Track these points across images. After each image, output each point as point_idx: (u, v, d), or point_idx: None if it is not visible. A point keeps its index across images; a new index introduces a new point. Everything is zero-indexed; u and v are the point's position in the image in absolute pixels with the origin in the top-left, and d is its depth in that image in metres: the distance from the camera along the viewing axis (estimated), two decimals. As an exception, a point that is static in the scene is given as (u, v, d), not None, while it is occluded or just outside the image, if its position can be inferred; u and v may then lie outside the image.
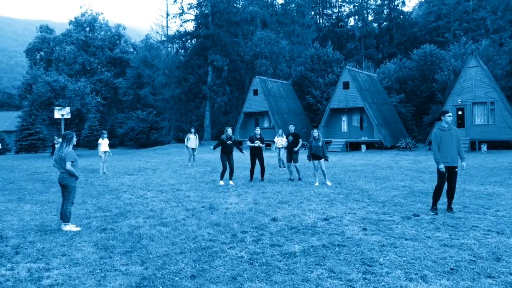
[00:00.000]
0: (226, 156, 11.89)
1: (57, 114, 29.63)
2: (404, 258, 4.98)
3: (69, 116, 30.14)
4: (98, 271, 4.67)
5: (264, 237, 5.99)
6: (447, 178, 7.52)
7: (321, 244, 5.62)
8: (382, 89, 34.00)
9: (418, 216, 7.23)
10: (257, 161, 12.33)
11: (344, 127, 30.22)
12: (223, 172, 11.90)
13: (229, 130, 12.21)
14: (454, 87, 25.98)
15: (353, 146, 28.27)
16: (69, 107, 29.87)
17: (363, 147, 27.01)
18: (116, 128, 49.24)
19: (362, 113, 29.19)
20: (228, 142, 11.85)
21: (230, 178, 11.94)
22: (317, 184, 11.11)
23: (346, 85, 29.03)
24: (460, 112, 25.35)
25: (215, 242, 5.79)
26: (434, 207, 7.56)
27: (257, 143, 12.16)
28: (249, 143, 12.44)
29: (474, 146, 24.50)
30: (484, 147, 23.48)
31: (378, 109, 29.81)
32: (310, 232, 6.28)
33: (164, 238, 6.02)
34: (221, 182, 11.74)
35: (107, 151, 16.15)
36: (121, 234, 6.28)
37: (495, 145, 24.26)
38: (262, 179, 12.30)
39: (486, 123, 24.54)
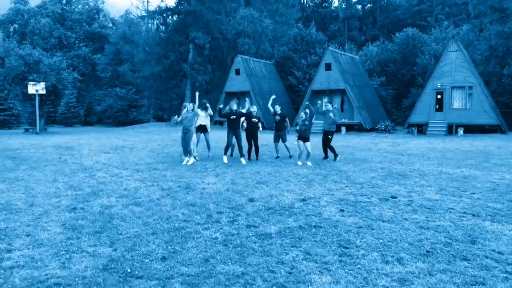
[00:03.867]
0: (233, 131, 11.74)
1: (31, 89, 28.59)
2: (381, 240, 4.93)
3: (44, 92, 29.12)
4: (64, 252, 4.45)
5: (240, 218, 5.85)
6: None
7: (298, 225, 5.52)
8: (364, 72, 34.01)
9: (395, 198, 7.21)
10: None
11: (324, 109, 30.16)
12: (227, 147, 11.90)
13: (233, 103, 12.04)
14: (434, 71, 26.17)
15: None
16: (44, 83, 28.81)
17: (343, 129, 27.08)
18: (94, 106, 48.09)
19: (343, 95, 29.18)
20: (232, 117, 11.67)
21: (241, 155, 11.76)
22: (299, 163, 11.08)
23: (328, 67, 28.87)
24: (439, 96, 25.59)
25: (189, 222, 5.63)
26: None
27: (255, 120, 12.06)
28: (242, 119, 12.21)
29: (451, 130, 24.85)
30: (460, 131, 23.86)
31: (359, 91, 29.85)
32: (287, 213, 6.18)
33: (136, 218, 5.82)
34: (225, 159, 11.71)
35: None
36: (91, 214, 6.05)
37: (471, 129, 24.67)
38: (257, 158, 12.15)
39: (464, 107, 24.88)
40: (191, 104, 11.85)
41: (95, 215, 5.97)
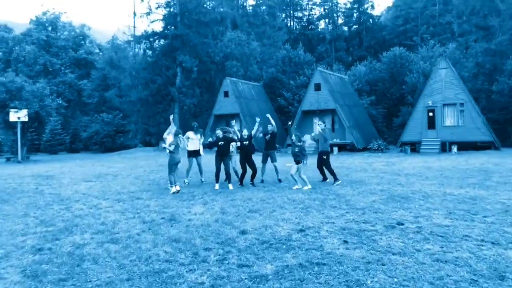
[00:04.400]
0: (219, 158, 11.09)
1: (13, 117, 27.67)
2: (396, 279, 4.22)
3: (26, 119, 28.22)
4: (15, 310, 3.65)
5: (231, 255, 5.10)
6: None
7: (298, 262, 4.79)
8: (353, 91, 33.82)
9: (402, 224, 6.53)
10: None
11: (316, 130, 29.69)
12: (217, 175, 11.19)
13: (219, 131, 11.41)
14: (424, 89, 25.97)
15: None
16: (26, 110, 27.96)
17: (335, 149, 26.54)
18: (80, 132, 47.04)
19: (334, 115, 28.79)
20: (220, 143, 11.05)
21: (227, 181, 11.18)
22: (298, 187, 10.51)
23: (317, 87, 28.55)
24: (431, 114, 25.31)
25: (172, 263, 4.85)
26: None
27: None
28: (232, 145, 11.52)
29: (444, 148, 24.45)
30: (454, 148, 23.48)
31: (350, 111, 29.50)
32: (284, 247, 5.44)
33: (110, 260, 5.02)
34: (216, 186, 11.01)
35: None
36: (59, 256, 5.24)
37: (465, 146, 24.30)
38: (251, 183, 11.38)
39: (456, 124, 24.58)
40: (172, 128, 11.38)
41: (63, 257, 5.16)
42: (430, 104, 25.16)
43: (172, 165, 10.55)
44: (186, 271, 4.58)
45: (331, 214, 7.40)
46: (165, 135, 11.90)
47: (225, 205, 8.39)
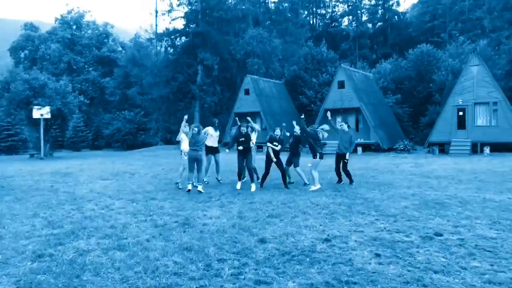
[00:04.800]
0: (242, 156, 10.52)
1: (36, 114, 27.88)
2: (442, 306, 3.54)
3: (49, 116, 28.40)
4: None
5: (248, 269, 4.51)
6: None
7: (324, 280, 4.16)
8: (378, 89, 32.76)
9: (441, 235, 5.80)
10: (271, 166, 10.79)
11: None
12: (240, 173, 10.71)
13: (244, 127, 10.74)
14: (454, 87, 24.78)
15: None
16: (49, 107, 28.12)
17: (359, 149, 25.65)
18: (102, 129, 47.47)
19: (358, 113, 27.88)
20: (241, 139, 10.46)
21: (251, 180, 10.58)
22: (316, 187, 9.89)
23: (341, 85, 27.70)
24: (461, 113, 24.12)
25: (181, 277, 4.30)
26: None
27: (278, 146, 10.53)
28: (268, 144, 10.68)
29: (475, 149, 23.24)
30: (486, 150, 22.25)
31: (374, 109, 28.51)
32: (307, 259, 4.82)
33: (113, 271, 4.51)
34: (238, 185, 10.63)
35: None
36: (59, 264, 4.76)
37: (497, 148, 23.03)
38: (285, 185, 10.61)
39: (489, 124, 23.34)
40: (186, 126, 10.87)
41: (63, 266, 4.68)
42: (461, 102, 23.98)
43: (190, 162, 10.12)
44: (196, 287, 4.02)
45: (359, 221, 6.73)
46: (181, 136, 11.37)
47: (243, 209, 7.81)
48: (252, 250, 5.19)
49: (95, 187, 11.55)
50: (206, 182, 11.66)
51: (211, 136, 11.74)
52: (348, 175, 11.16)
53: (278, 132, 10.74)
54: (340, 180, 11.35)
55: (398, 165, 17.75)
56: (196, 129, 10.14)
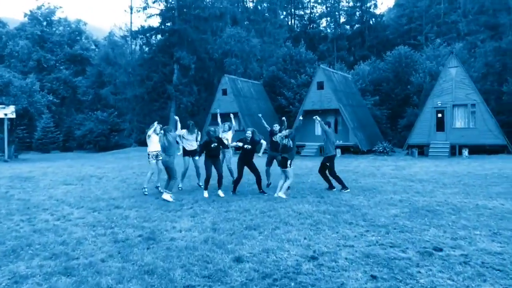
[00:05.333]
0: (211, 160, 9.62)
1: (-1, 113, 26.27)
2: None
3: (13, 116, 26.79)
4: None
5: (220, 299, 3.71)
6: None
7: (314, 315, 3.40)
8: (357, 91, 32.45)
9: (441, 250, 5.14)
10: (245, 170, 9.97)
11: (318, 130, 28.26)
12: (207, 180, 9.65)
13: (213, 128, 10.06)
14: (433, 88, 24.59)
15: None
16: (13, 106, 26.54)
17: (338, 151, 25.14)
18: (73, 130, 45.58)
19: (337, 115, 27.40)
20: (212, 145, 9.55)
21: (219, 187, 9.69)
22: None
23: (320, 86, 27.17)
24: (439, 115, 23.95)
25: (137, 313, 3.46)
26: None
27: (247, 146, 9.71)
28: (236, 143, 9.89)
29: (454, 151, 23.09)
30: (465, 152, 22.10)
31: (354, 111, 28.12)
32: (292, 284, 4.05)
33: (52, 305, 3.63)
34: (205, 194, 9.52)
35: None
36: (-16, 296, 3.84)
37: (476, 150, 22.94)
38: (261, 190, 9.82)
39: (467, 126, 23.22)
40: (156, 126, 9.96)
41: (-10, 299, 3.77)
42: (439, 104, 23.80)
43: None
44: (154, 328, 3.19)
45: (347, 233, 6.01)
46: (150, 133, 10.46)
47: (218, 219, 6.99)
48: (227, 273, 4.38)
49: (55, 193, 10.49)
50: (180, 188, 10.77)
51: (187, 140, 10.87)
52: (339, 180, 10.38)
53: (249, 133, 10.02)
54: (331, 187, 10.51)
55: (378, 167, 17.27)
56: (162, 131, 9.25)
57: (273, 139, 10.58)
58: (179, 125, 10.80)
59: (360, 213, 7.33)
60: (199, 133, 11.38)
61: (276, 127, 10.90)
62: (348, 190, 10.02)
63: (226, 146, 10.19)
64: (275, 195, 9.16)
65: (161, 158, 9.67)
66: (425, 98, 31.14)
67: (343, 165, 18.58)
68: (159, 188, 10.21)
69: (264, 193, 9.66)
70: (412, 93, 33.73)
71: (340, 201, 8.56)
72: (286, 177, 9.33)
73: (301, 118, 10.83)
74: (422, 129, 24.20)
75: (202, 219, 7.03)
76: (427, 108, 24.34)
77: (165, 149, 9.15)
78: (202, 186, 10.42)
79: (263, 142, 10.19)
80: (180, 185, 10.99)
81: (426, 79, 32.42)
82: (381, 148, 24.82)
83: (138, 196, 9.78)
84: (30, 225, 6.86)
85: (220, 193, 9.49)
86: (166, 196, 8.93)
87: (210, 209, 7.84)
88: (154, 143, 10.02)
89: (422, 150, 24.00)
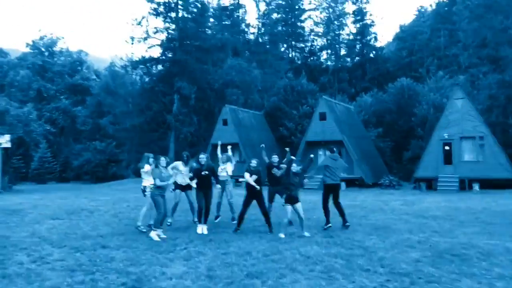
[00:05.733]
0: (203, 191, 8.87)
1: (-6, 142, 25.61)
2: None
3: (8, 145, 26.14)
4: None
5: None
6: None
7: None
8: (359, 122, 31.99)
9: (482, 309, 4.28)
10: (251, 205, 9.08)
11: (321, 162, 27.56)
12: (200, 213, 8.86)
13: (203, 156, 9.28)
14: (439, 120, 24.04)
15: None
16: (9, 135, 25.93)
17: (343, 184, 24.29)
18: (71, 160, 44.82)
19: (340, 147, 26.65)
20: (203, 173, 8.79)
21: (205, 222, 8.89)
22: (282, 235, 8.28)
23: (322, 116, 26.67)
24: (447, 147, 23.25)
25: None
26: None
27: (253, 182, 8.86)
28: (246, 178, 8.99)
29: (463, 185, 22.22)
30: (476, 187, 21.25)
31: (357, 143, 27.48)
32: None
33: None
34: (199, 229, 8.75)
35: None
36: None
37: (486, 184, 22.07)
38: (271, 231, 8.80)
39: (476, 159, 22.47)
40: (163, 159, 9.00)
41: None
42: (446, 137, 23.16)
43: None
44: None
45: (365, 283, 5.15)
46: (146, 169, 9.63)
47: (215, 263, 6.12)
48: None
49: (40, 230, 9.63)
50: (169, 224, 9.85)
51: (181, 173, 10.04)
52: (341, 212, 9.55)
53: (254, 163, 9.23)
54: (328, 222, 9.64)
55: (387, 202, 16.41)
56: (154, 162, 8.57)
57: (272, 172, 9.77)
58: (219, 150, 10.76)
59: (376, 257, 6.45)
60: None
61: (275, 158, 10.13)
62: (330, 225, 9.18)
63: (216, 176, 9.38)
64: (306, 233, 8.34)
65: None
66: (430, 130, 30.58)
67: (349, 199, 17.72)
68: (141, 227, 9.27)
69: (271, 232, 8.78)
70: (416, 125, 33.25)
71: (352, 242, 7.68)
72: (298, 214, 8.51)
73: (312, 156, 9.98)
74: (429, 162, 23.46)
75: (196, 263, 6.16)
76: (433, 140, 23.69)
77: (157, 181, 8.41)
78: (197, 223, 9.56)
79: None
80: (169, 220, 10.09)
81: (430, 111, 32.01)
82: (387, 181, 24.03)
83: (129, 233, 8.92)
84: (1, 268, 5.99)
85: (201, 228, 8.72)
86: (153, 234, 8.08)
87: (207, 251, 6.97)
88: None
89: (430, 184, 23.16)
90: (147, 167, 9.16)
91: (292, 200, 8.40)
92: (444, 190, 21.47)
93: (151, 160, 9.24)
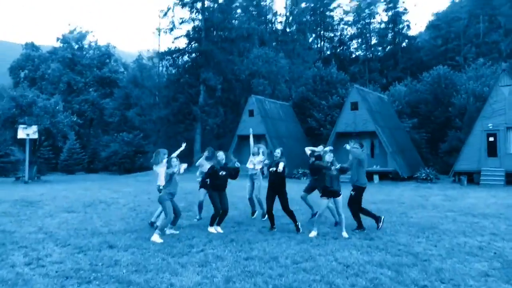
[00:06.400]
0: (218, 192, 7.98)
1: (21, 133, 25.48)
2: None
3: (35, 136, 26.03)
4: None
5: None
6: None
7: None
8: (393, 113, 30.22)
9: None
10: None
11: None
12: (215, 216, 7.90)
13: (221, 154, 8.30)
14: (483, 110, 22.15)
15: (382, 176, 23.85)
16: (36, 126, 25.78)
17: (376, 177, 22.90)
18: (99, 152, 45.04)
19: (373, 138, 25.21)
20: (220, 173, 7.92)
21: (219, 223, 7.97)
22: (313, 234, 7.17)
23: (354, 106, 25.18)
24: (491, 139, 21.39)
25: None
26: None
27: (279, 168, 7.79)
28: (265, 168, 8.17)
29: (510, 179, 20.36)
30: (524, 181, 19.39)
31: (391, 134, 25.86)
32: None
33: None
34: (212, 229, 7.80)
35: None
36: None
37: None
38: (298, 230, 7.67)
39: (524, 151, 20.56)
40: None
41: None
42: (491, 127, 21.29)
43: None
44: None
45: (424, 304, 4.01)
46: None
47: (234, 271, 5.11)
48: None
49: (50, 224, 8.93)
50: (197, 219, 9.09)
51: (204, 169, 9.16)
52: (357, 216, 8.19)
53: (278, 152, 8.23)
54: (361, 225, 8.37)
55: (426, 197, 15.00)
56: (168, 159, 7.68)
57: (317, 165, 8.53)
58: (251, 140, 10.02)
59: (432, 268, 5.27)
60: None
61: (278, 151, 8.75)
62: (364, 230, 7.88)
63: (235, 177, 8.27)
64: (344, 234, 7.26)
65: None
66: (469, 121, 28.54)
67: (384, 193, 16.43)
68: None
69: (273, 229, 7.74)
70: (454, 115, 31.15)
71: (397, 245, 6.51)
72: (337, 209, 7.44)
73: (358, 146, 8.69)
74: (470, 154, 21.67)
75: (213, 270, 5.17)
76: (475, 131, 21.85)
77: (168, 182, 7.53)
78: (197, 219, 9.04)
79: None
80: (197, 217, 9.35)
81: (470, 100, 29.86)
82: (423, 174, 22.39)
83: (142, 230, 8.06)
84: (-10, 272, 5.20)
85: (213, 229, 7.78)
86: (155, 237, 7.13)
87: (226, 254, 5.97)
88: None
89: (472, 178, 21.42)
90: (161, 170, 8.08)
91: (331, 193, 7.31)
92: (488, 185, 19.73)
93: (165, 157, 8.29)
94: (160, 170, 8.06)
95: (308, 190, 8.92)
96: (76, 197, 14.74)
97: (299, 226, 7.72)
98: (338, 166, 7.38)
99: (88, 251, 6.26)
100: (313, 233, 7.26)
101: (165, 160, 8.03)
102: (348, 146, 8.47)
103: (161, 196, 7.50)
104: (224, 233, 7.65)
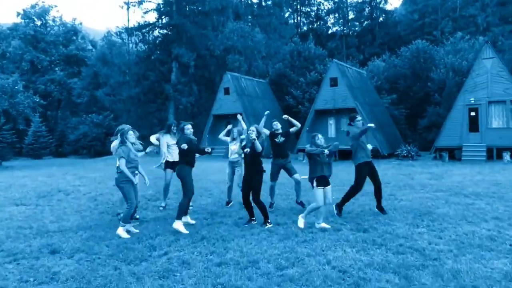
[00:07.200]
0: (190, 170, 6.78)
1: (-24, 116, 23.58)
2: None
3: (-8, 119, 24.12)
4: None
5: None
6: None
7: None
8: (373, 88, 29.47)
9: None
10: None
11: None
12: (187, 203, 6.68)
13: (190, 127, 7.09)
14: (464, 83, 21.56)
15: (344, 155, 23.32)
16: (-8, 108, 23.88)
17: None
18: (67, 135, 42.81)
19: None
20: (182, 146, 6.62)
21: (180, 216, 6.66)
22: (323, 225, 6.20)
23: (334, 82, 24.22)
24: (473, 113, 20.89)
25: None
26: None
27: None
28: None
29: (491, 154, 19.99)
30: (506, 156, 18.99)
31: (371, 110, 25.12)
32: None
33: None
34: (180, 226, 6.34)
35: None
36: None
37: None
38: (265, 223, 6.58)
39: (506, 126, 20.13)
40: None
41: None
42: (472, 101, 20.75)
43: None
44: None
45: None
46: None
47: (203, 284, 4.04)
48: None
49: (-11, 221, 7.62)
50: (162, 208, 7.98)
51: (171, 146, 7.95)
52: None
53: (276, 123, 8.03)
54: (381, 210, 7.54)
55: (411, 176, 14.31)
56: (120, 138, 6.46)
57: (276, 140, 7.76)
58: (243, 123, 8.61)
59: (446, 270, 4.32)
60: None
61: (277, 125, 7.98)
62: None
63: (202, 152, 7.02)
64: (318, 225, 6.27)
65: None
66: (448, 96, 28.11)
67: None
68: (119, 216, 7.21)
69: (269, 224, 6.61)
70: (433, 90, 30.66)
71: (396, 238, 5.56)
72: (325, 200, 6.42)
73: (345, 129, 7.88)
74: (452, 130, 21.16)
75: (175, 284, 4.07)
76: (457, 106, 21.30)
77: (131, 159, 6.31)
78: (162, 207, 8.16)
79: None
80: (162, 204, 8.28)
81: (449, 75, 29.34)
82: (404, 151, 21.81)
83: (98, 227, 6.87)
84: None
85: (182, 226, 6.38)
86: (120, 230, 6.02)
87: (194, 258, 4.87)
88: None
89: (453, 154, 20.97)
90: (113, 144, 6.98)
91: (324, 181, 6.30)
92: (469, 160, 19.29)
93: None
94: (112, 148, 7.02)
95: (276, 174, 7.93)
96: (34, 186, 13.32)
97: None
98: (326, 151, 6.31)
99: (22, 260, 5.06)
100: (300, 223, 6.27)
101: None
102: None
103: (118, 179, 6.31)
104: (195, 227, 6.55)
